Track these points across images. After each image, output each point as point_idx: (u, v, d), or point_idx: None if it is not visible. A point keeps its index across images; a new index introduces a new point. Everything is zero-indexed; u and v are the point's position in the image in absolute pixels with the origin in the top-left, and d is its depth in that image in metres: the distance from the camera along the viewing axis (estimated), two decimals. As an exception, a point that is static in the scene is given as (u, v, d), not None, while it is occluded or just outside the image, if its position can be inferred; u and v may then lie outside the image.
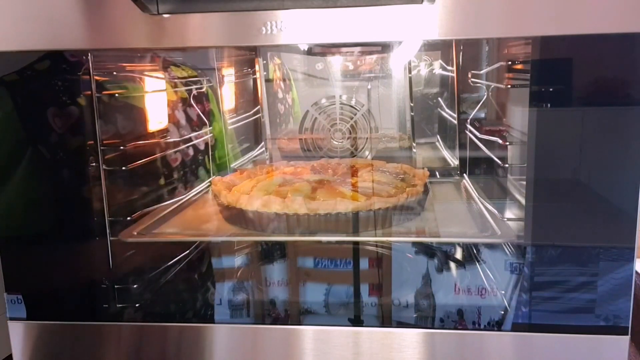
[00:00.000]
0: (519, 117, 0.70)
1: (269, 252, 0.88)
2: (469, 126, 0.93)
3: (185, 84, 0.96)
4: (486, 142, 0.84)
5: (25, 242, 0.69)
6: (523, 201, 0.63)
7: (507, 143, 0.75)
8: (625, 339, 0.60)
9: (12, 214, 0.69)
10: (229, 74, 1.04)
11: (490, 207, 0.77)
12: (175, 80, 0.94)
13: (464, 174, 0.96)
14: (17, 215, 0.69)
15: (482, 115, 0.94)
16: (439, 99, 1.05)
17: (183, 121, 0.94)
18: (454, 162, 1.00)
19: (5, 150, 0.67)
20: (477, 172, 0.94)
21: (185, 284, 0.83)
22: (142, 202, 0.82)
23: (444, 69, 1.02)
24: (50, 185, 0.68)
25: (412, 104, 1.01)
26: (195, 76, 0.98)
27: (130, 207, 0.78)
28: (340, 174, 0.90)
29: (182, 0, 0.56)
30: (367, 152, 1.03)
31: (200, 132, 0.98)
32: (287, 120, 1.09)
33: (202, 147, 0.99)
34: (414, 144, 1.02)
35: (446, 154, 1.03)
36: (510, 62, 0.73)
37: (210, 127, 1.01)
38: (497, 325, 0.67)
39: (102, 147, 0.70)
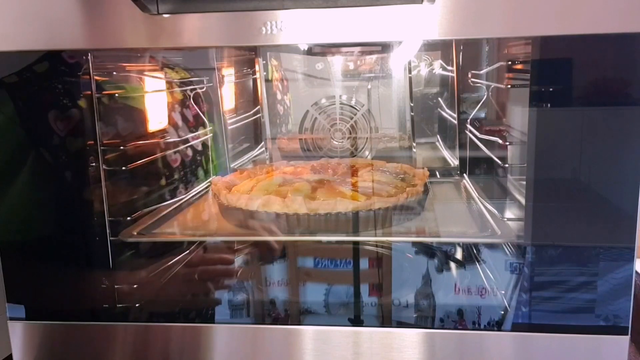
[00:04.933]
0: (519, 117, 0.70)
1: (269, 252, 0.88)
2: (469, 126, 0.93)
3: (180, 86, 0.96)
4: (486, 142, 0.84)
5: (26, 245, 0.69)
6: (523, 201, 0.63)
7: (507, 143, 0.75)
8: (625, 339, 0.60)
9: (14, 218, 0.69)
10: (228, 74, 1.04)
11: (490, 207, 0.77)
12: (170, 81, 0.94)
13: (464, 174, 0.96)
14: (19, 219, 0.69)
15: (482, 115, 0.94)
16: (439, 99, 1.05)
17: (180, 122, 0.94)
18: (454, 162, 1.00)
19: (7, 154, 0.67)
20: (477, 172, 0.94)
21: (185, 284, 0.83)
22: (142, 202, 0.82)
23: (444, 69, 1.02)
24: (52, 189, 0.68)
25: (412, 104, 1.01)
26: (189, 78, 0.98)
27: (130, 207, 0.78)
28: (340, 173, 0.90)
29: (182, 0, 0.56)
30: (367, 152, 1.03)
31: (197, 132, 0.98)
32: (287, 121, 1.09)
33: (200, 147, 0.99)
34: (414, 144, 1.02)
35: (446, 153, 1.03)
36: (510, 62, 0.73)
37: (209, 128, 1.01)
38: (497, 325, 0.67)
39: (102, 147, 0.70)
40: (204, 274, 0.82)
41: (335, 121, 1.01)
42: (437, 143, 1.06)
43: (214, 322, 0.70)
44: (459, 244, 0.84)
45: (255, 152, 1.10)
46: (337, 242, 0.79)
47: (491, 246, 0.78)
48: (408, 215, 0.77)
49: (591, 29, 0.53)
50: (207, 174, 1.01)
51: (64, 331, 0.69)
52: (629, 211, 0.57)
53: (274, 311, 0.78)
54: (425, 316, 0.77)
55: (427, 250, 0.84)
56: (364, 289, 0.79)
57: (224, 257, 0.84)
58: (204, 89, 1.00)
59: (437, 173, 0.99)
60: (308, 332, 0.66)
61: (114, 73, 0.78)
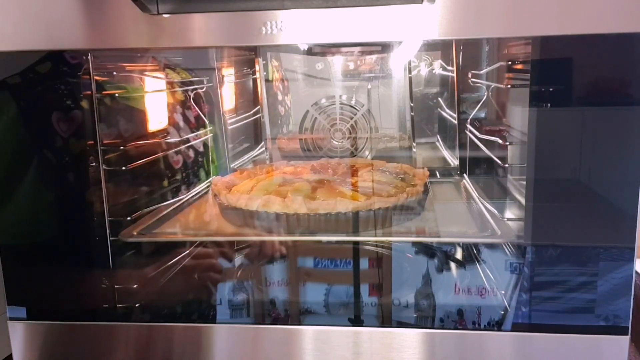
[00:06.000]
0: (519, 117, 0.70)
1: (269, 252, 0.88)
2: (469, 126, 0.93)
3: (180, 86, 0.96)
4: (486, 142, 0.84)
5: (26, 246, 0.69)
6: (523, 201, 0.63)
7: (507, 143, 0.75)
8: (625, 339, 0.60)
9: (17, 219, 0.69)
10: (228, 74, 1.04)
11: (490, 207, 0.77)
12: (170, 82, 0.94)
13: (464, 174, 0.96)
14: (22, 221, 0.69)
15: (482, 115, 0.94)
16: (439, 99, 1.05)
17: (180, 122, 0.94)
18: (454, 162, 1.00)
19: (11, 156, 0.67)
20: (477, 172, 0.94)
21: (185, 284, 0.83)
22: (142, 202, 0.82)
23: (444, 69, 1.02)
24: (56, 190, 0.68)
25: (412, 104, 1.01)
26: (189, 79, 0.98)
27: (130, 208, 0.78)
28: (340, 173, 0.90)
29: (182, 0, 0.56)
30: (367, 152, 1.03)
31: (197, 133, 0.98)
32: (287, 121, 1.09)
33: (200, 147, 0.99)
34: (414, 144, 1.02)
35: (446, 153, 1.03)
36: (510, 62, 0.73)
37: (209, 128, 1.01)
38: (497, 325, 0.67)
39: (102, 147, 0.70)
40: (203, 277, 0.83)
41: (335, 121, 1.01)
42: (437, 143, 1.06)
43: (214, 322, 0.70)
44: (459, 244, 0.84)
45: (255, 152, 1.10)
46: (337, 242, 0.79)
47: (491, 246, 0.78)
48: (408, 215, 0.77)
49: (591, 29, 0.53)
50: (207, 174, 1.01)
51: (63, 331, 0.69)
52: (629, 211, 0.57)
53: (274, 311, 0.78)
54: (425, 316, 0.77)
55: (427, 250, 0.84)
56: (364, 289, 0.79)
57: (216, 264, 0.84)
58: (204, 89, 1.00)
59: (437, 173, 0.99)
60: (308, 332, 0.66)
61: (115, 73, 0.78)
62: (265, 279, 0.85)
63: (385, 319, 0.76)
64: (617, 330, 0.60)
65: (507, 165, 0.78)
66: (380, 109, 1.02)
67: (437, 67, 1.03)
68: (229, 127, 1.04)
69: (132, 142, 0.78)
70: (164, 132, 0.89)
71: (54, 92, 0.65)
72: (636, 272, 0.60)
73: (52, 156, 0.66)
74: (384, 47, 0.91)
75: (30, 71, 0.64)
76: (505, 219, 0.72)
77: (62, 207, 0.69)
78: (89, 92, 0.68)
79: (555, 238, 0.59)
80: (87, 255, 0.71)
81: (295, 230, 0.74)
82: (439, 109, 1.05)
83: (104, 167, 0.70)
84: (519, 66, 0.69)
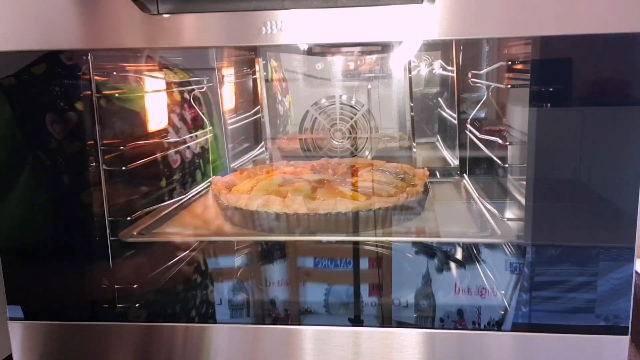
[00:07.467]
0: (519, 117, 0.70)
1: (269, 252, 0.88)
2: (469, 126, 0.93)
3: (180, 86, 0.96)
4: (486, 142, 0.84)
5: (26, 246, 0.69)
6: (523, 201, 0.63)
7: (507, 143, 0.75)
8: (625, 339, 0.60)
9: (14, 221, 0.69)
10: (228, 74, 1.04)
11: (490, 207, 0.77)
12: (170, 82, 0.93)
13: (464, 174, 0.96)
14: (19, 222, 0.69)
15: (482, 115, 0.94)
16: (439, 99, 1.05)
17: (180, 123, 0.94)
18: (454, 162, 1.00)
19: (5, 158, 0.67)
20: (477, 172, 0.94)
21: (185, 284, 0.83)
22: (141, 202, 0.82)
23: (444, 69, 1.02)
24: (51, 191, 0.68)
25: (412, 104, 1.01)
26: (188, 79, 0.98)
27: (130, 208, 0.78)
28: (340, 173, 0.90)
29: (182, 0, 0.56)
30: (367, 152, 1.03)
31: (197, 133, 0.98)
32: (287, 121, 1.09)
33: (199, 148, 0.99)
34: (414, 144, 1.02)
35: (446, 153, 1.03)
36: (510, 62, 0.73)
37: (209, 128, 1.01)
38: (497, 325, 0.67)
39: (102, 148, 0.69)
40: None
41: (335, 121, 1.01)
42: (437, 143, 1.06)
43: (214, 322, 0.70)
44: (459, 244, 0.84)
45: (255, 152, 1.10)
46: (337, 242, 0.79)
47: (491, 246, 0.78)
48: (408, 215, 0.77)
49: (591, 29, 0.53)
50: (207, 174, 1.01)
51: (64, 331, 0.69)
52: (629, 211, 0.57)
53: (274, 311, 0.78)
54: (425, 316, 0.77)
55: (427, 250, 0.84)
56: (364, 289, 0.79)
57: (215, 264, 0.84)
58: (203, 89, 1.00)
59: (437, 173, 0.99)
60: (308, 332, 0.65)
61: (114, 73, 0.78)
62: (265, 279, 0.85)
63: (385, 319, 0.76)
64: (617, 330, 0.60)
65: (507, 165, 0.78)
66: (380, 109, 1.02)
67: (437, 67, 1.03)
68: (229, 127, 1.04)
69: (132, 143, 0.78)
70: (163, 133, 0.89)
71: (49, 94, 0.65)
72: (636, 272, 0.60)
73: (46, 158, 0.66)
74: (384, 47, 0.91)
75: (25, 72, 0.64)
76: (505, 219, 0.72)
77: (63, 208, 0.69)
78: (89, 93, 0.68)
79: (555, 238, 0.59)
80: (87, 255, 0.71)
81: (295, 230, 0.74)
82: (439, 109, 1.05)
83: (103, 167, 0.70)
84: (519, 66, 0.69)
